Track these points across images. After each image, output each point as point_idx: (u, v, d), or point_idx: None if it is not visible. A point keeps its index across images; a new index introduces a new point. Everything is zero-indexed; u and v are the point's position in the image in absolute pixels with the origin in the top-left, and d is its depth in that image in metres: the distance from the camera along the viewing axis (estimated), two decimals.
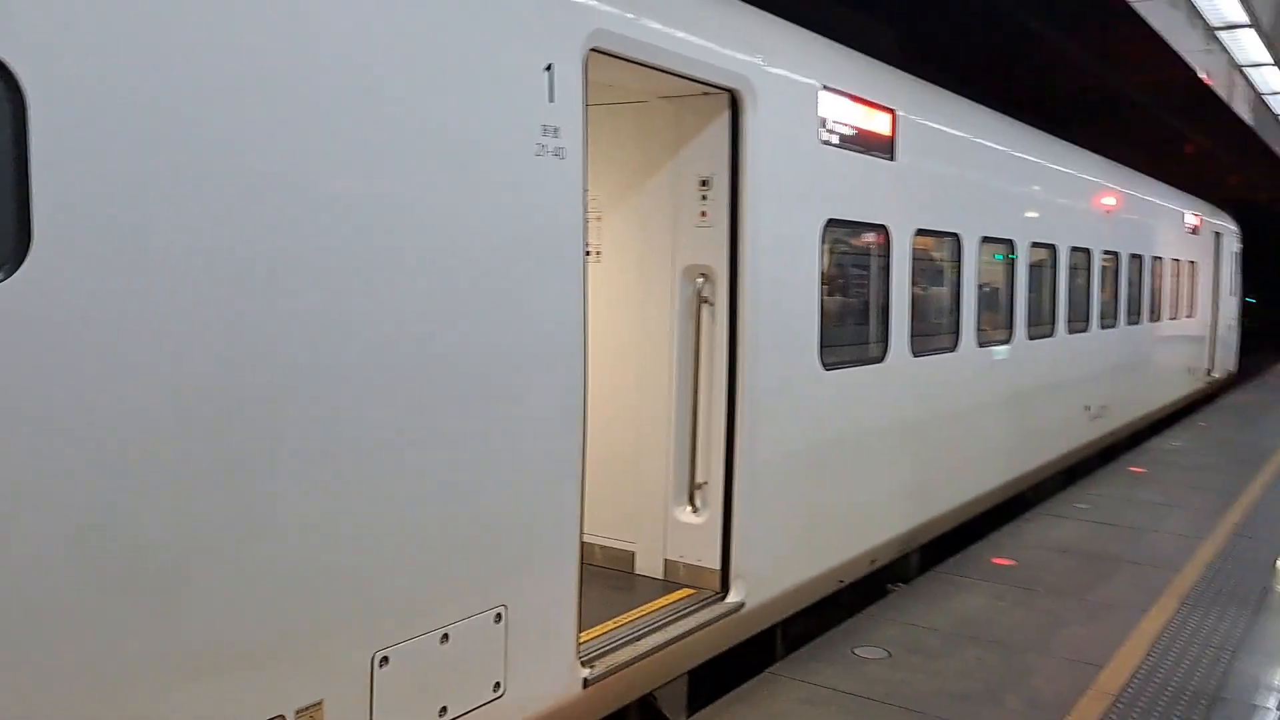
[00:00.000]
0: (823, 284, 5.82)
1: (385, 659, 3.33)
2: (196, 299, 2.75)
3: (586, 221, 4.11)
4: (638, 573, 5.57)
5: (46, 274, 2.43)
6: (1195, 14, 11.82)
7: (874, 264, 6.61)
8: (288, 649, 3.06)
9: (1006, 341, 8.67)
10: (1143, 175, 13.81)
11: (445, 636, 3.55)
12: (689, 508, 5.38)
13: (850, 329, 6.48)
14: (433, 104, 3.39)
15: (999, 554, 7.68)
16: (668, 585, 5.39)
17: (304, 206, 3.01)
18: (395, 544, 3.35)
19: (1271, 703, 5.23)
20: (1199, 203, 16.92)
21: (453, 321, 3.51)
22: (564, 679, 4.13)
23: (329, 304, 3.10)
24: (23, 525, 2.43)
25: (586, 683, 4.21)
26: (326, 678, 3.17)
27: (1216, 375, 18.33)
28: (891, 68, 7.02)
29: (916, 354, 6.95)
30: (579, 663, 4.20)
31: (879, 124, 6.37)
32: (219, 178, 2.79)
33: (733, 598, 5.18)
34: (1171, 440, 13.26)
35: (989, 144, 8.45)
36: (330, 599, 3.16)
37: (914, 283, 6.93)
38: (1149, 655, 5.70)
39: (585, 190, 4.05)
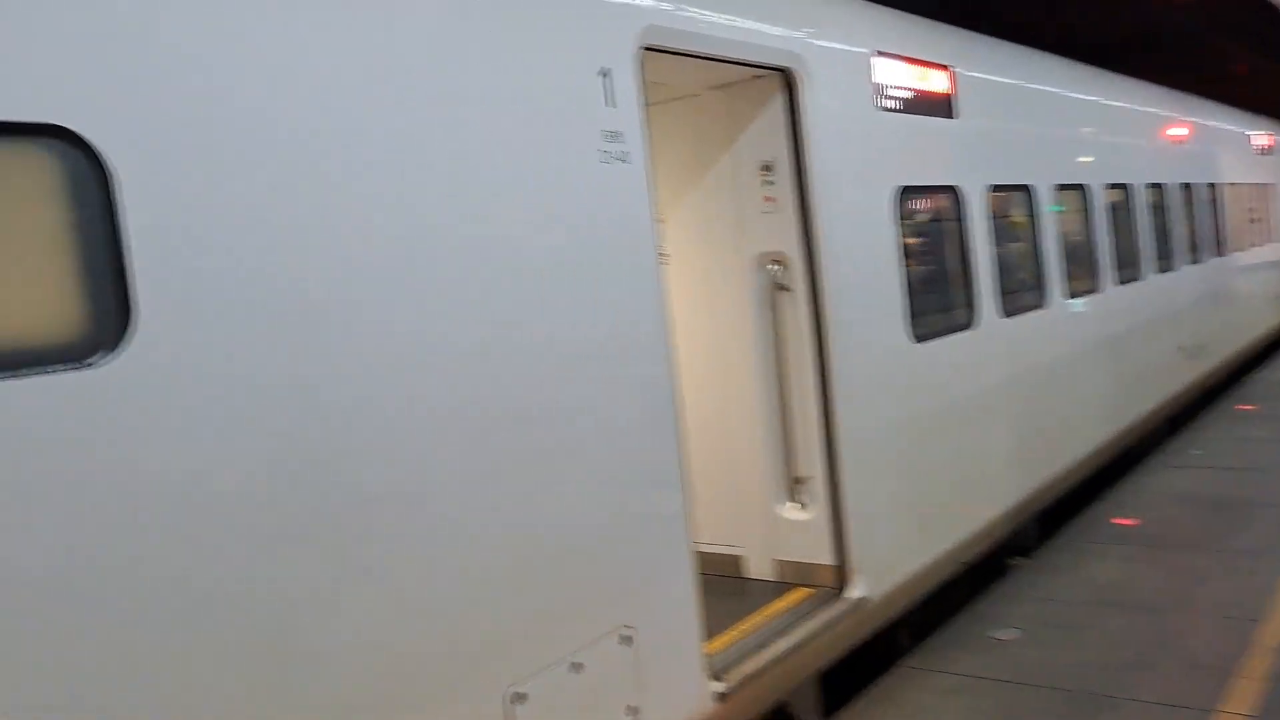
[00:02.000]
0: (902, 254, 5.58)
1: (522, 695, 3.21)
2: (294, 348, 2.68)
3: (656, 224, 3.96)
4: (748, 576, 5.39)
5: (151, 348, 2.37)
6: None
7: (951, 228, 6.34)
8: (422, 697, 2.94)
9: (1095, 290, 8.29)
10: (1206, 101, 13.24)
11: (576, 665, 3.41)
12: (794, 504, 5.18)
13: (936, 297, 6.21)
14: (496, 125, 3.29)
15: (1121, 513, 7.32)
16: (779, 587, 5.19)
17: (392, 242, 2.94)
18: (515, 576, 3.23)
19: None
20: (1266, 121, 16.21)
21: (543, 340, 3.39)
22: (696, 695, 3.96)
23: (425, 336, 3.02)
24: (158, 600, 2.38)
25: (721, 697, 4.04)
26: None
27: None
28: (944, 25, 6.76)
29: (1007, 314, 6.66)
30: (709, 677, 4.03)
31: (937, 83, 6.12)
32: (303, 225, 2.72)
33: (854, 593, 4.95)
34: (1276, 371, 12.65)
35: (1050, 89, 8.12)
36: (459, 640, 3.06)
37: (994, 241, 6.65)
38: None
39: (654, 192, 3.91)
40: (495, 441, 3.21)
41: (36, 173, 2.30)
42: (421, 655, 2.95)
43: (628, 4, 3.89)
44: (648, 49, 3.97)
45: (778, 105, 4.97)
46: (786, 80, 4.91)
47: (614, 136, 3.73)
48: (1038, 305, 7.25)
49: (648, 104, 3.98)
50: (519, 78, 3.40)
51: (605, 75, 3.72)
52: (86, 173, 2.34)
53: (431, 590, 2.99)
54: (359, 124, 2.91)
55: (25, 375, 2.20)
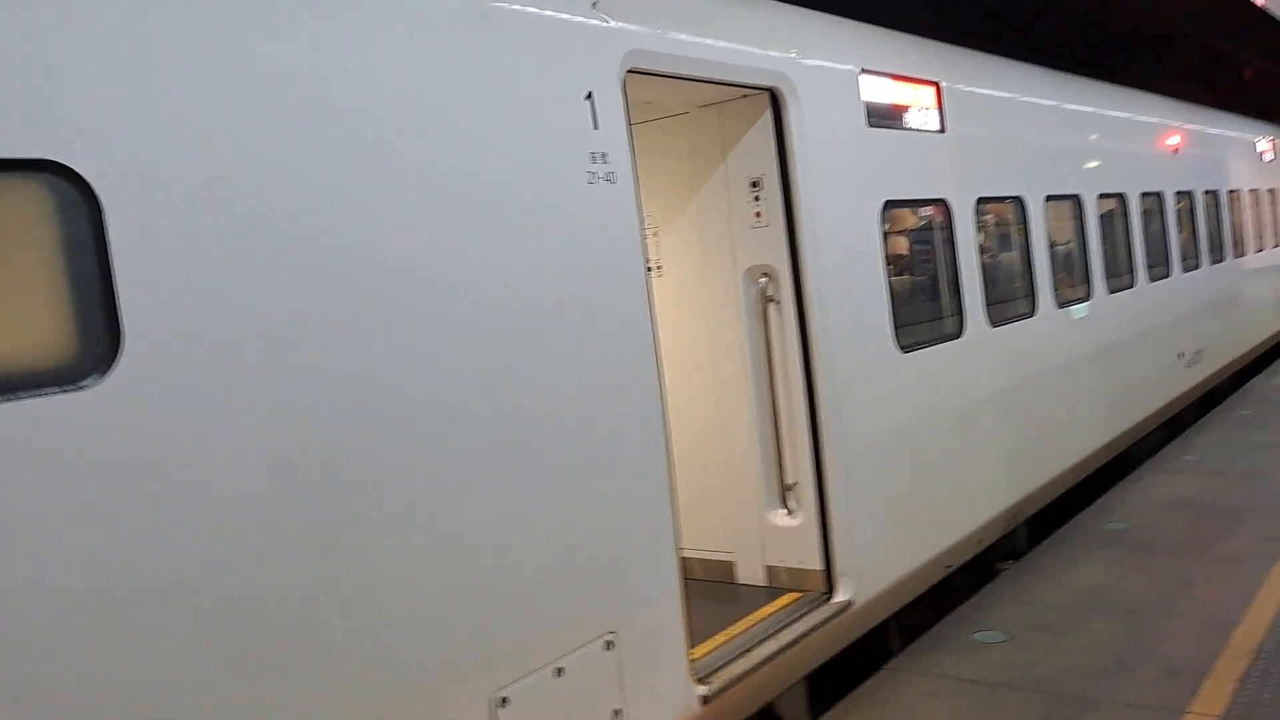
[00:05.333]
0: (889, 266, 5.71)
1: (505, 699, 3.35)
2: (281, 371, 2.81)
3: (645, 240, 4.11)
4: (739, 582, 5.52)
5: (141, 369, 2.51)
6: None
7: (939, 239, 6.47)
8: (406, 701, 3.09)
9: (1086, 298, 8.41)
10: (1206, 108, 13.30)
11: (559, 670, 3.55)
12: (783, 510, 5.31)
13: (923, 307, 6.34)
14: (482, 149, 3.42)
15: (1111, 518, 7.42)
16: (771, 592, 5.32)
17: (380, 266, 3.06)
18: (501, 581, 3.37)
19: None
20: (1270, 127, 16.24)
21: (531, 356, 3.53)
22: (681, 699, 4.09)
23: (411, 357, 3.14)
24: (153, 613, 2.51)
25: (705, 700, 4.17)
26: None
27: None
28: (930, 40, 6.89)
29: (994, 324, 6.78)
30: (695, 680, 4.16)
31: (924, 99, 6.26)
32: (287, 248, 2.85)
33: (840, 596, 5.09)
34: (1275, 377, 12.71)
35: (1040, 101, 8.23)
36: (445, 644, 3.19)
37: (983, 252, 6.77)
38: None
39: (640, 210, 4.05)
40: (483, 451, 3.34)
41: (29, 203, 2.41)
42: (407, 659, 3.07)
43: (611, 29, 4.03)
44: (632, 72, 4.12)
45: (765, 123, 5.11)
46: (774, 98, 5.05)
47: (600, 158, 3.88)
48: (1026, 314, 7.37)
49: (633, 125, 4.12)
50: (505, 102, 3.53)
51: (590, 98, 3.86)
52: (77, 203, 2.45)
53: (418, 597, 3.11)
54: (346, 148, 3.02)
55: (19, 398, 2.31)
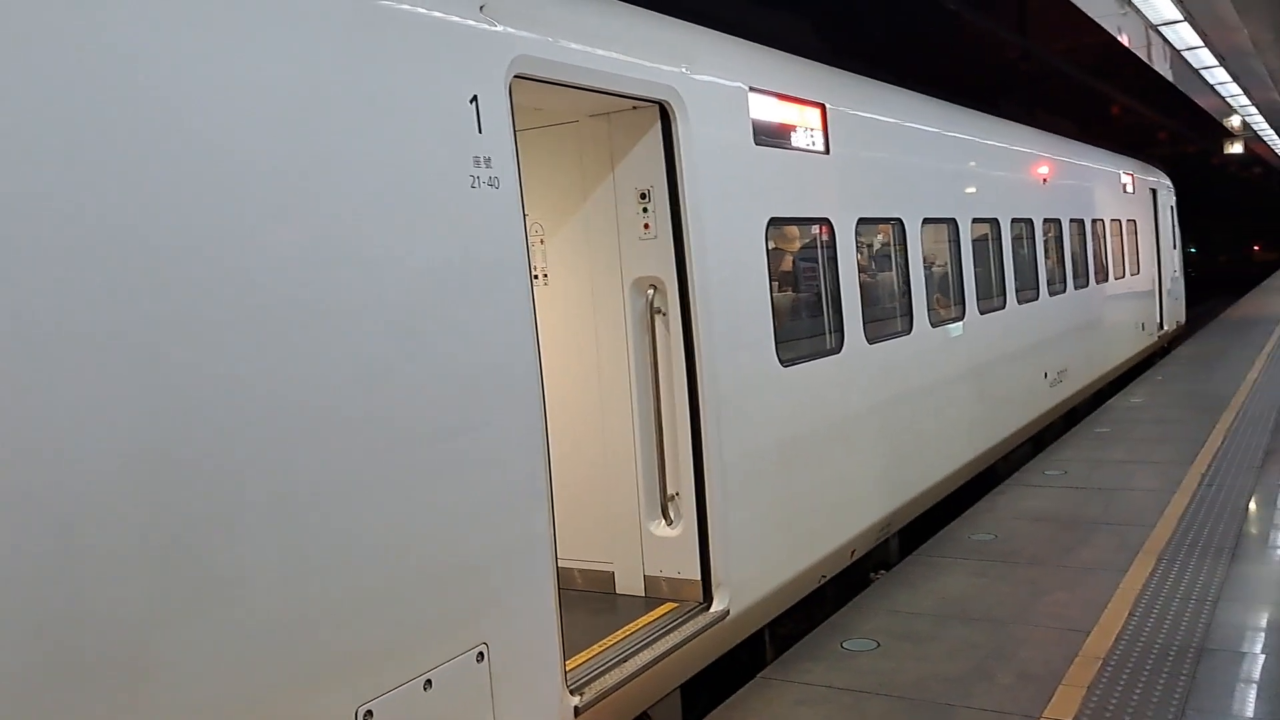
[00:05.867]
0: (772, 282, 5.83)
1: (369, 713, 3.27)
2: (155, 360, 2.69)
3: (529, 247, 4.08)
4: (619, 592, 5.53)
5: None
6: None
7: (821, 257, 6.64)
8: (269, 713, 2.98)
9: (959, 319, 8.75)
10: (1075, 141, 14.04)
11: (428, 683, 3.49)
12: (663, 521, 5.35)
13: (804, 323, 6.50)
14: (358, 145, 3.35)
15: (976, 530, 7.73)
16: (650, 602, 5.35)
17: (239, 260, 2.95)
18: (365, 592, 3.29)
19: (1257, 647, 5.31)
20: (1132, 162, 17.25)
21: (402, 361, 3.46)
22: (554, 710, 4.07)
23: (289, 353, 3.05)
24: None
25: (577, 711, 4.16)
26: None
27: (1167, 328, 18.68)
28: (818, 64, 7.08)
29: (872, 340, 6.99)
30: (568, 691, 4.15)
31: (810, 119, 6.41)
32: (136, 250, 2.73)
33: (716, 606, 5.15)
34: (1132, 397, 13.47)
35: (921, 127, 8.54)
36: (305, 657, 3.09)
37: (863, 271, 6.98)
38: (1132, 615, 5.76)
39: (524, 216, 4.02)
40: (355, 458, 3.26)
41: None
42: (270, 670, 2.98)
43: (499, 33, 4.00)
44: (519, 77, 4.09)
45: (654, 135, 5.15)
46: (663, 111, 5.10)
47: (484, 162, 3.84)
48: (903, 332, 7.62)
49: (522, 131, 4.10)
50: (386, 101, 3.46)
51: (475, 102, 3.82)
52: None
53: (284, 604, 3.02)
54: (219, 142, 2.92)
55: None
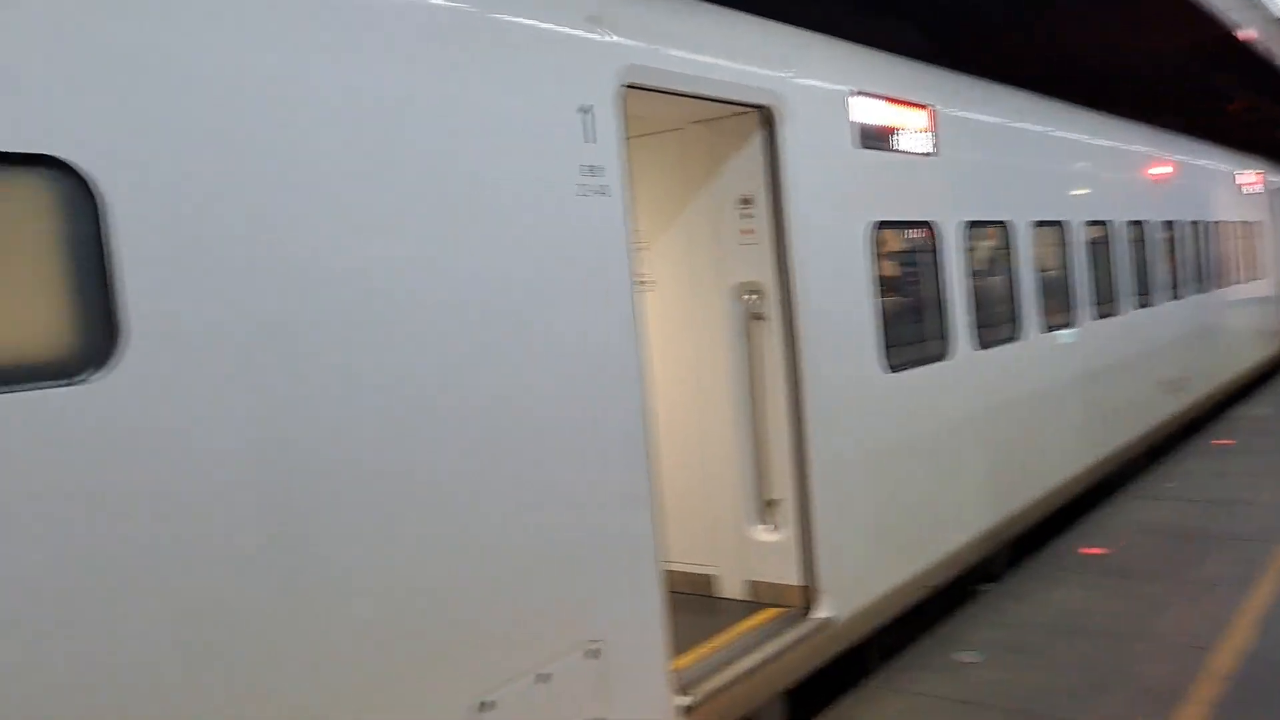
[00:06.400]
0: (877, 286, 5.77)
1: (488, 704, 3.36)
2: (276, 367, 2.84)
3: (634, 254, 4.15)
4: (720, 596, 5.54)
5: (138, 368, 2.53)
6: None
7: (928, 261, 6.54)
8: (391, 701, 3.10)
9: (1070, 325, 8.49)
10: (1191, 139, 13.48)
11: (542, 676, 3.57)
12: (765, 526, 5.34)
13: (911, 328, 6.40)
14: (473, 157, 3.46)
15: (1089, 543, 7.48)
16: (751, 606, 5.35)
17: (369, 272, 3.09)
18: (485, 587, 3.39)
19: None
20: (1255, 160, 16.46)
21: (515, 367, 3.56)
22: (662, 708, 4.11)
23: (403, 358, 3.18)
24: (131, 618, 2.52)
25: (686, 710, 4.19)
26: None
27: None
28: (924, 64, 6.98)
29: (981, 346, 6.85)
30: (676, 691, 4.18)
31: (916, 121, 6.33)
32: (285, 251, 2.88)
33: (820, 613, 5.12)
34: (1256, 408, 12.84)
35: (1030, 127, 8.34)
36: (431, 648, 3.21)
37: (971, 275, 6.85)
38: (1259, 633, 5.50)
39: (631, 224, 4.09)
40: (469, 459, 3.37)
41: (31, 199, 2.45)
42: (392, 660, 3.10)
43: (609, 44, 4.08)
44: (629, 87, 4.16)
45: (757, 141, 5.17)
46: (765, 117, 5.11)
47: (593, 170, 3.92)
48: (1013, 338, 7.44)
49: (628, 139, 4.17)
50: (500, 112, 3.57)
51: (586, 112, 3.91)
52: (78, 199, 2.49)
53: (405, 599, 3.14)
54: (343, 154, 3.06)
55: (20, 390, 2.35)
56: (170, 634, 2.60)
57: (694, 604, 5.46)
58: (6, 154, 2.38)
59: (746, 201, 5.21)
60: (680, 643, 4.59)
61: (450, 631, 3.28)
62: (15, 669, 2.33)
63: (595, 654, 3.78)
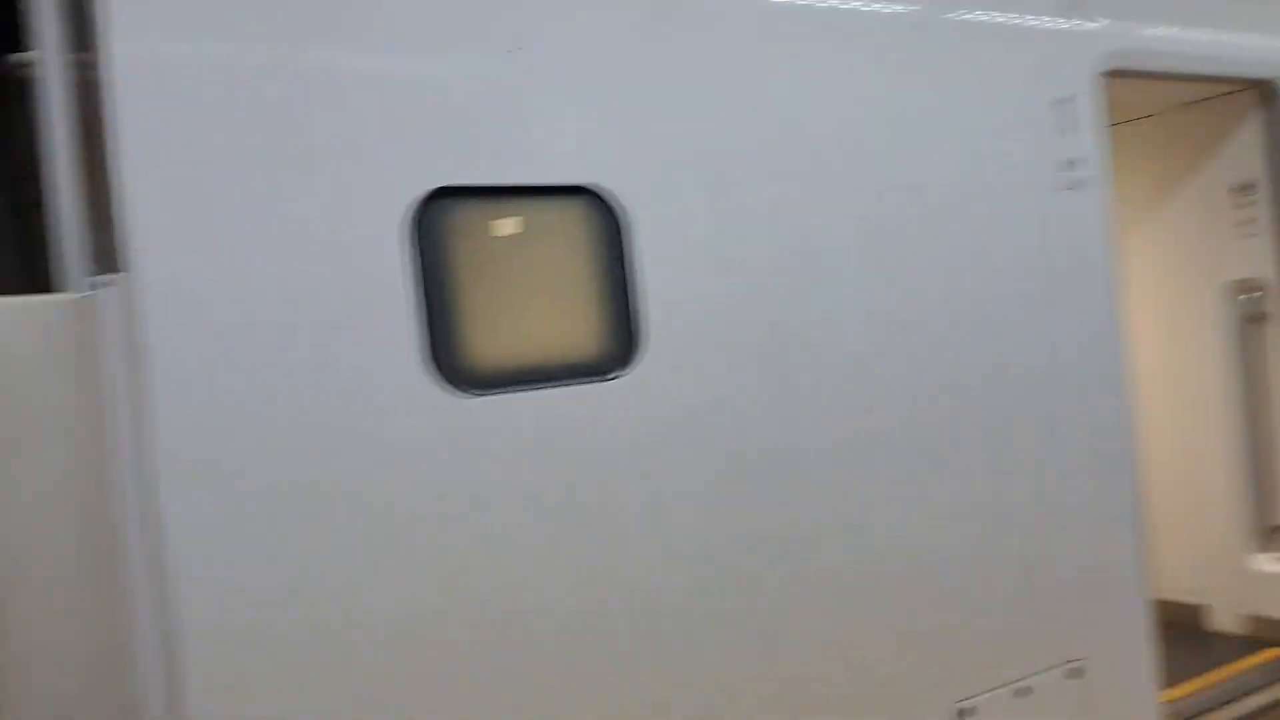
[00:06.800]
0: None
1: (968, 710, 3.35)
2: (770, 366, 3.08)
3: (1117, 251, 3.90)
4: (1208, 629, 4.98)
5: (652, 367, 2.91)
6: None
7: None
8: (880, 698, 3.21)
9: None
10: None
11: (1024, 690, 3.47)
12: (1270, 555, 4.72)
13: None
14: (947, 154, 3.48)
15: None
16: (1250, 643, 4.75)
17: (860, 273, 3.26)
18: (971, 595, 3.40)
19: None
20: None
21: (1000, 367, 3.51)
22: None
23: (883, 360, 3.29)
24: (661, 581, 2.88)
25: None
26: None
27: None
28: None
29: None
30: None
31: None
32: (776, 255, 3.12)
33: None
34: None
35: None
36: (919, 653, 3.29)
37: None
38: None
39: (1113, 218, 3.86)
40: (949, 470, 3.38)
41: (576, 225, 2.88)
42: (879, 663, 3.21)
43: (1088, 31, 3.88)
44: (1109, 73, 3.93)
45: (1254, 121, 4.63)
46: (1264, 94, 4.56)
47: (1071, 163, 3.75)
48: None
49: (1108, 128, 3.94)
50: (972, 109, 3.56)
51: (1063, 103, 3.76)
52: (608, 222, 2.88)
53: (893, 607, 3.25)
54: (829, 159, 3.22)
55: (569, 384, 2.79)
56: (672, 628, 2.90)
57: (1181, 637, 4.96)
58: (559, 187, 2.85)
59: (1244, 189, 4.67)
60: (1169, 676, 4.21)
61: (940, 638, 3.33)
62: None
63: (1079, 673, 3.59)
